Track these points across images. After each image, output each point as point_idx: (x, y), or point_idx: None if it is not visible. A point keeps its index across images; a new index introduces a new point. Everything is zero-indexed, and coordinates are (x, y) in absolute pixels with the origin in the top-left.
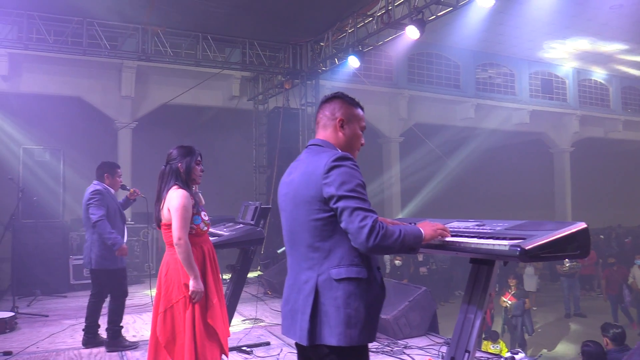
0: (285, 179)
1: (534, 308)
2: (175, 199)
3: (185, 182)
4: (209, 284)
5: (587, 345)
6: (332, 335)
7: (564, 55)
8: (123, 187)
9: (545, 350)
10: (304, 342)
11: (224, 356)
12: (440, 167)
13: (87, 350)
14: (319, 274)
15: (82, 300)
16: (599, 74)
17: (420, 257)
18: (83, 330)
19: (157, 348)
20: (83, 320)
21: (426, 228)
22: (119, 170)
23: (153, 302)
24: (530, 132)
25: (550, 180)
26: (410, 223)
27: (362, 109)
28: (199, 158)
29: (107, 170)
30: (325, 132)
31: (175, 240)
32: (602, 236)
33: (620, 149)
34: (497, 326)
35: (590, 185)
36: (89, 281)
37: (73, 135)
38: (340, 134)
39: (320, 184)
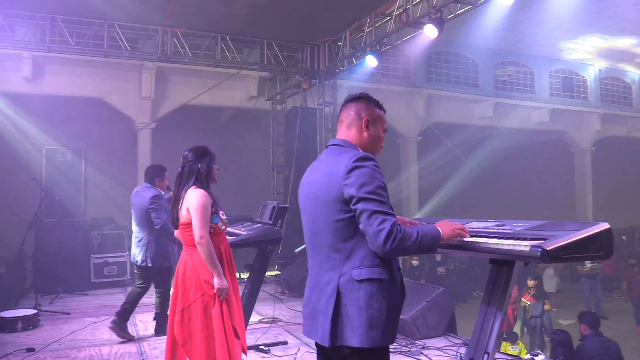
0: (306, 179)
1: (554, 309)
2: (194, 198)
3: (206, 182)
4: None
5: (556, 333)
6: (354, 336)
7: (585, 53)
8: (168, 188)
9: None
10: (326, 343)
11: (242, 354)
12: (458, 167)
13: (108, 347)
14: (341, 275)
15: (103, 298)
16: (621, 72)
17: (438, 257)
18: (116, 313)
19: (174, 347)
20: (104, 318)
21: (444, 228)
22: (166, 174)
23: (170, 301)
24: (550, 131)
25: (571, 180)
26: (428, 223)
27: (384, 111)
28: (215, 158)
29: (157, 174)
30: (349, 132)
31: (197, 239)
32: (624, 237)
33: None
34: (516, 327)
35: (612, 185)
36: (110, 279)
37: (94, 135)
38: (365, 134)
39: (341, 184)
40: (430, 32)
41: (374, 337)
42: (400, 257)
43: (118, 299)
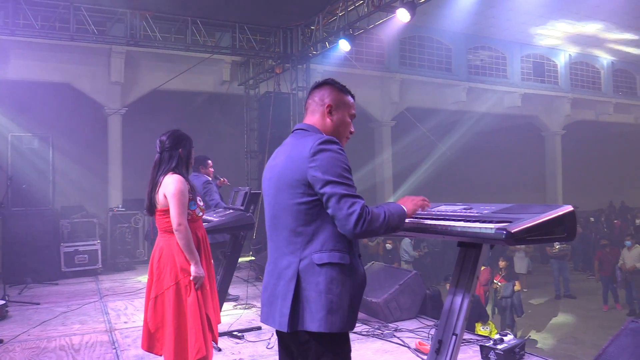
0: (270, 163)
1: (525, 290)
2: (171, 184)
3: (186, 168)
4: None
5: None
6: (313, 321)
7: (556, 38)
8: (215, 177)
9: (534, 331)
10: (284, 329)
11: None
12: (431, 151)
13: (78, 337)
14: (301, 259)
15: (73, 287)
16: (590, 57)
17: (412, 241)
18: None
19: (150, 334)
20: (75, 307)
21: (407, 203)
22: (209, 162)
23: (145, 287)
24: (521, 116)
25: (542, 163)
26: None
27: (352, 96)
28: (192, 142)
29: (201, 163)
30: (313, 118)
31: (175, 226)
32: (592, 218)
33: (611, 132)
34: (488, 308)
35: (581, 168)
36: (81, 268)
37: (62, 122)
38: (327, 120)
39: (306, 167)
40: (402, 16)
41: (332, 322)
42: (369, 243)
43: (89, 288)
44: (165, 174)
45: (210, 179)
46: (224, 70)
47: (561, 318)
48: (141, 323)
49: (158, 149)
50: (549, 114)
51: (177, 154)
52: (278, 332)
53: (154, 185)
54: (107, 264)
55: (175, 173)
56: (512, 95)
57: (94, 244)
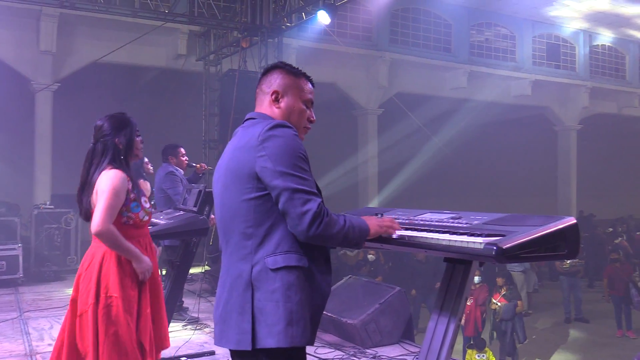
0: (219, 163)
1: (530, 311)
2: (105, 180)
3: (125, 161)
4: (143, 291)
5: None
6: (270, 336)
7: (574, 15)
8: (190, 165)
9: None
10: (247, 347)
11: None
12: (424, 145)
13: None
14: (253, 265)
15: None
16: (614, 39)
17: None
18: None
19: (60, 352)
20: None
21: (371, 223)
22: (181, 150)
23: (70, 298)
24: (531, 106)
25: (554, 162)
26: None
27: (310, 80)
28: (137, 128)
29: (170, 152)
30: (261, 108)
31: (93, 229)
32: (610, 229)
33: (635, 128)
34: (485, 332)
35: (599, 169)
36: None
37: None
38: (274, 108)
39: (254, 157)
40: None
41: (293, 335)
42: (348, 253)
43: (6, 301)
44: (101, 171)
45: (174, 169)
46: (179, 42)
47: (571, 345)
48: None
49: (93, 138)
50: (564, 105)
51: (113, 144)
52: (232, 353)
53: (87, 186)
54: (29, 272)
55: (115, 168)
56: (521, 82)
57: (14, 249)
